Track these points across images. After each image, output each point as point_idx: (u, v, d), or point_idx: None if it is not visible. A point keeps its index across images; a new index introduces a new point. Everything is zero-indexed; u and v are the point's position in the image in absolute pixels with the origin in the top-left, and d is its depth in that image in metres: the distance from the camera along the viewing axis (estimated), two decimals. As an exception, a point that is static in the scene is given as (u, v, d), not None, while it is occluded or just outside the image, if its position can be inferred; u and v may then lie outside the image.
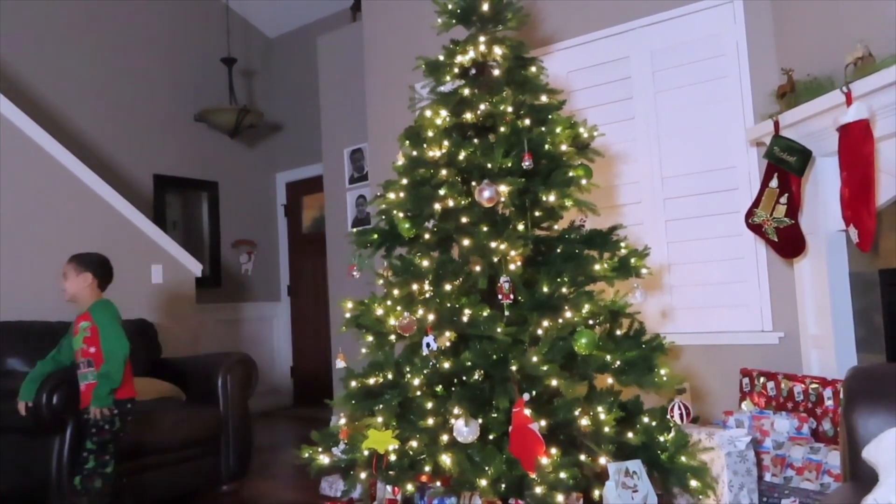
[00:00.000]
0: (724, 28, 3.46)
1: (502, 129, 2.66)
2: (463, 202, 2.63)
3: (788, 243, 2.97)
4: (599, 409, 2.41)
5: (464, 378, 2.51)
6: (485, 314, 2.46)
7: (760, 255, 3.34)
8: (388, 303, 2.65)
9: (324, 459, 2.68)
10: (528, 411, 2.28)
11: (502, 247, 2.49)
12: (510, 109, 2.69)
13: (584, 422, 2.38)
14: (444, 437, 2.42)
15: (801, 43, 3.07)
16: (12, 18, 5.14)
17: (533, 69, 2.85)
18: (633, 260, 2.65)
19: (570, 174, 2.61)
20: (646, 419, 2.56)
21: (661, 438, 2.50)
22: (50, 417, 2.97)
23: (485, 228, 2.57)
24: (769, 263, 3.31)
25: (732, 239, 3.40)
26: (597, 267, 2.61)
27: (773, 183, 2.99)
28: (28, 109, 4.37)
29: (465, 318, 2.47)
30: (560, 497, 2.23)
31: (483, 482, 2.30)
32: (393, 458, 2.50)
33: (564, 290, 2.57)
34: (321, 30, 6.01)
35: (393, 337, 2.66)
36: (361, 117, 4.95)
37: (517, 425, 2.29)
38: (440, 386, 2.58)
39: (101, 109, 5.63)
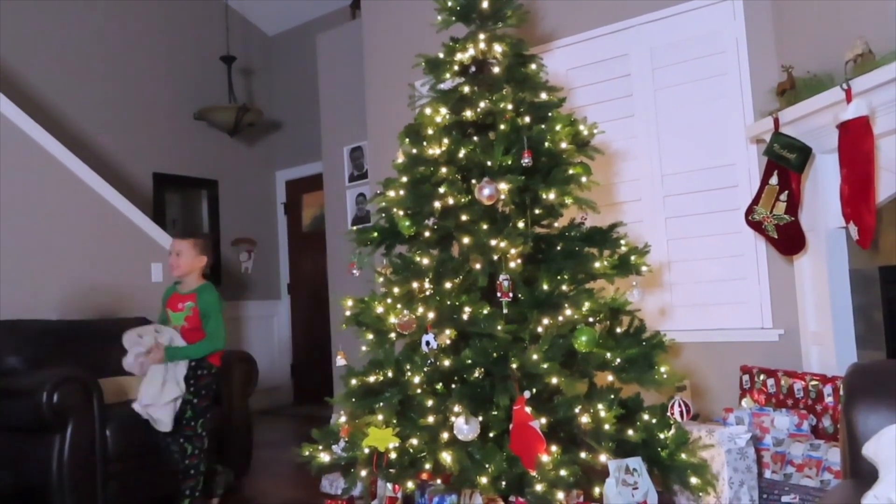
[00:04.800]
0: (723, 25, 3.45)
1: (502, 126, 2.66)
2: (463, 200, 2.63)
3: (788, 240, 2.97)
4: (600, 406, 2.41)
5: (464, 376, 2.51)
6: (485, 312, 2.46)
7: (760, 252, 3.34)
8: (389, 301, 2.65)
9: (324, 457, 2.68)
10: (528, 409, 2.28)
11: (502, 244, 2.49)
12: (510, 107, 2.68)
13: (585, 419, 2.38)
14: (445, 435, 2.42)
15: (800, 40, 3.06)
16: (12, 18, 5.13)
17: (533, 67, 2.85)
18: (633, 257, 2.65)
19: (570, 172, 2.61)
20: (646, 416, 2.56)
21: (662, 436, 2.51)
22: (51, 416, 2.97)
23: (485, 226, 2.57)
24: (769, 260, 3.31)
25: (732, 236, 3.40)
26: (597, 264, 2.61)
27: (773, 180, 2.99)
28: (27, 108, 4.36)
29: (465, 316, 2.47)
30: (560, 494, 2.24)
31: (483, 480, 2.30)
32: (393, 455, 2.51)
33: (564, 287, 2.57)
34: (320, 28, 6.01)
35: (393, 335, 2.67)
36: (361, 115, 4.95)
37: (517, 423, 2.29)
38: (440, 384, 2.58)
39: (100, 108, 5.63)
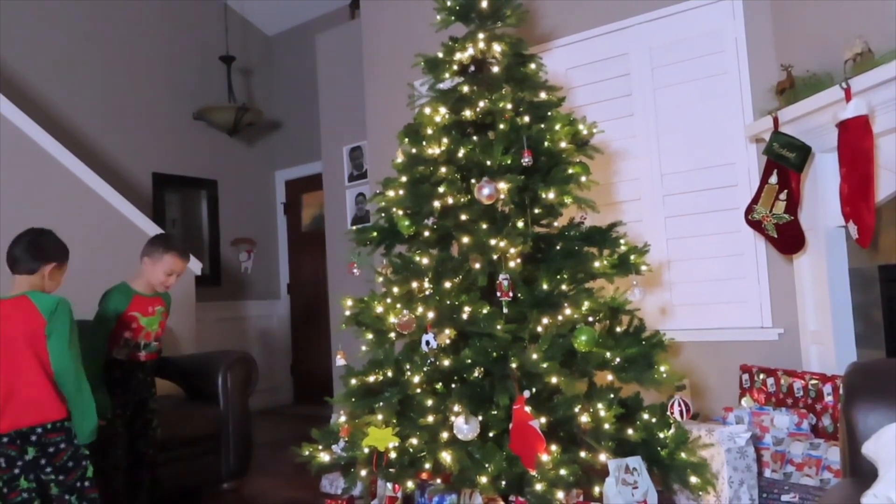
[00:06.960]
0: (723, 24, 3.45)
1: (501, 126, 2.66)
2: (462, 199, 2.63)
3: (788, 239, 2.97)
4: (599, 405, 2.41)
5: (464, 375, 2.52)
6: (484, 311, 2.46)
7: (760, 251, 3.34)
8: (388, 300, 2.65)
9: (324, 457, 2.68)
10: (528, 408, 2.28)
11: (502, 244, 2.49)
12: (509, 106, 2.68)
13: (584, 419, 2.38)
14: (445, 435, 2.42)
15: (800, 39, 3.06)
16: (12, 18, 5.13)
17: (532, 66, 2.85)
18: (632, 257, 2.65)
19: (570, 171, 2.61)
20: (646, 416, 2.56)
21: (661, 435, 2.51)
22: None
23: (484, 226, 2.57)
24: (769, 260, 3.31)
25: (732, 235, 3.40)
26: (596, 264, 2.61)
27: (773, 179, 2.99)
28: (27, 108, 4.36)
29: (464, 316, 2.47)
30: (560, 494, 2.24)
31: (483, 479, 2.30)
32: (393, 455, 2.51)
33: (564, 287, 2.57)
34: (320, 27, 6.01)
35: (393, 334, 2.67)
36: (360, 115, 4.95)
37: (517, 422, 2.29)
38: (440, 383, 2.59)
39: (99, 108, 5.63)
